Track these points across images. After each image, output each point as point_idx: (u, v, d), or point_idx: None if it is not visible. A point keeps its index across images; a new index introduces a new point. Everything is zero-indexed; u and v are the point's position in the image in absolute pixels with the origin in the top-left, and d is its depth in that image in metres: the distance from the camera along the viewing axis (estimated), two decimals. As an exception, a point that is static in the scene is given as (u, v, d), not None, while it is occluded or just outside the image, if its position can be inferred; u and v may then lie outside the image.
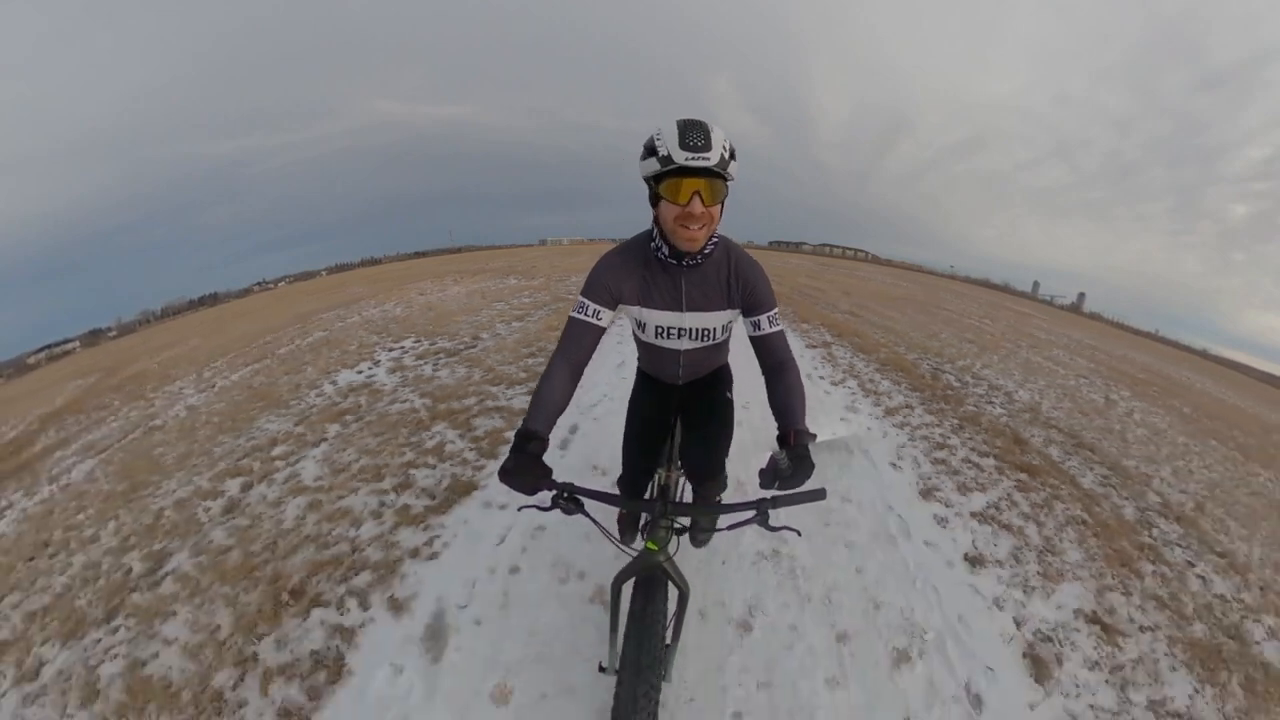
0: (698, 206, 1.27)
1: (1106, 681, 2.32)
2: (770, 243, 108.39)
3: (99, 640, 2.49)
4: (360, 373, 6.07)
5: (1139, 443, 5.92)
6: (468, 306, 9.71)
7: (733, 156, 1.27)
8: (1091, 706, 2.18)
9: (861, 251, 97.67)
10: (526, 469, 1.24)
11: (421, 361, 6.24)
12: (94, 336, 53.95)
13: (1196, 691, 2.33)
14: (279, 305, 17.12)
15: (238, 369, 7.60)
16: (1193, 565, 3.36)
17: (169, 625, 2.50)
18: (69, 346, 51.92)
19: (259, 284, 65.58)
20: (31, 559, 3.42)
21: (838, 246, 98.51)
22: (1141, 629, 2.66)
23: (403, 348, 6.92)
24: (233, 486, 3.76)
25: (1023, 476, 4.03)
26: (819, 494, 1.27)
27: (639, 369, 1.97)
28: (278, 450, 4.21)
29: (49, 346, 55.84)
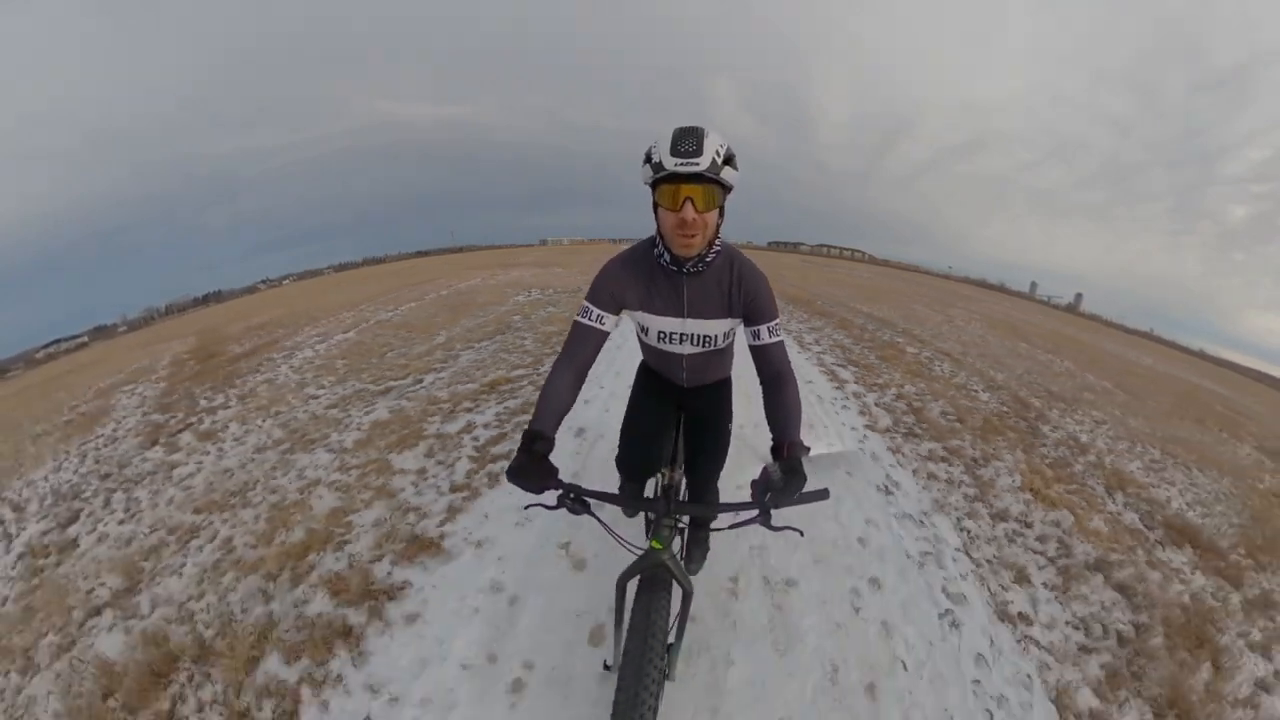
0: (690, 212, 1.30)
1: (809, 338, 6.98)
2: (769, 243, 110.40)
3: (512, 332, 6.66)
4: (528, 297, 9.62)
5: (932, 327, 10.13)
6: (543, 279, 13.16)
7: (728, 162, 1.29)
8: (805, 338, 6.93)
9: (859, 252, 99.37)
10: (534, 469, 1.29)
11: (562, 294, 10.03)
12: (101, 332, 56.27)
13: (855, 345, 6.93)
14: (322, 296, 17.96)
15: (402, 305, 10.86)
16: (897, 342, 7.42)
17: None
18: (79, 340, 54.35)
19: (264, 281, 68.00)
20: (383, 353, 6.74)
21: (835, 247, 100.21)
22: (846, 339, 7.21)
23: (535, 291, 10.39)
24: (518, 318, 7.70)
25: (816, 316, 9.00)
26: (822, 494, 1.30)
27: (643, 363, 2.01)
28: (526, 307, 8.42)
29: (56, 341, 58.24)
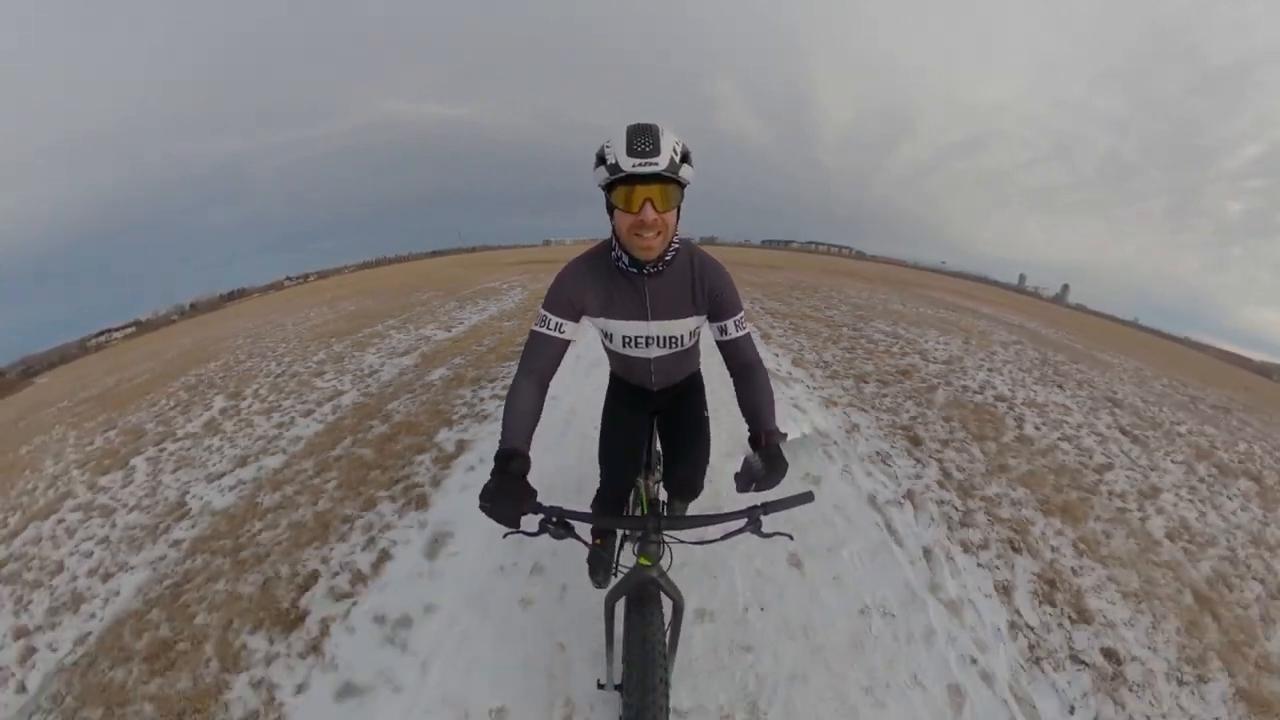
0: (650, 214, 1.29)
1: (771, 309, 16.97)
2: (763, 241, 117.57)
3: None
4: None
5: (856, 298, 19.25)
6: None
7: (685, 159, 1.28)
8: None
9: (848, 248, 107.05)
10: (510, 491, 1.23)
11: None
12: (142, 326, 63.57)
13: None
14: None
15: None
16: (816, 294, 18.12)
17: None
18: (126, 331, 61.98)
19: (288, 278, 75.24)
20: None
21: (824, 244, 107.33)
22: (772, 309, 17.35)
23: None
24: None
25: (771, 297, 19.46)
26: (807, 497, 1.34)
27: (612, 373, 2.03)
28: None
29: (107, 331, 65.87)
